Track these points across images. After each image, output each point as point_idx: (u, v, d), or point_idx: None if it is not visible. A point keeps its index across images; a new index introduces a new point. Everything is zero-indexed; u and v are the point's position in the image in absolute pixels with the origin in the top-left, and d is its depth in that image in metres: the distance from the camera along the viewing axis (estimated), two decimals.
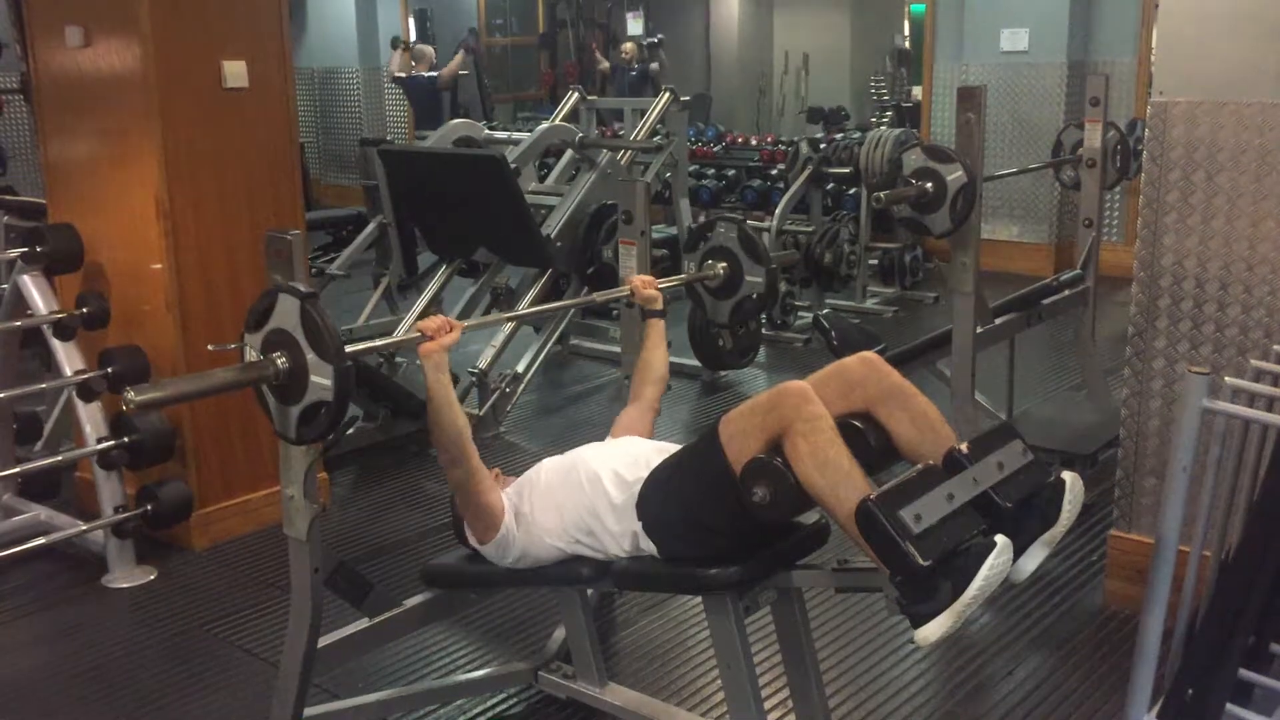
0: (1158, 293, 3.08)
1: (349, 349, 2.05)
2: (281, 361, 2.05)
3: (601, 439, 2.68)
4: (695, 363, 5.53)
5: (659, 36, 11.70)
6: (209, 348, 2.20)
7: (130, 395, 1.92)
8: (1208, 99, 2.92)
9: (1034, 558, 2.12)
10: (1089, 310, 4.48)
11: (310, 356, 2.03)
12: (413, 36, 11.71)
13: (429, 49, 10.59)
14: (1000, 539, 1.96)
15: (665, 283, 2.90)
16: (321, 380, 2.02)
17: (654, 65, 11.31)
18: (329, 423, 2.05)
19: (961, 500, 2.03)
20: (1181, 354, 3.06)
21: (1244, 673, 2.18)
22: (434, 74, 10.32)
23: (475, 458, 2.41)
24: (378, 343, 2.43)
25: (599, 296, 3.00)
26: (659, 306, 2.84)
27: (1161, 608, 2.19)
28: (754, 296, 2.99)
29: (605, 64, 11.93)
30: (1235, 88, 2.88)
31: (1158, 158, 3.02)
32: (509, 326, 5.13)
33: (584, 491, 2.41)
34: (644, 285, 2.83)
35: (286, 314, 2.04)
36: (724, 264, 3.00)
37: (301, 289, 2.04)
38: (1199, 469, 2.18)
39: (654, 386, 2.79)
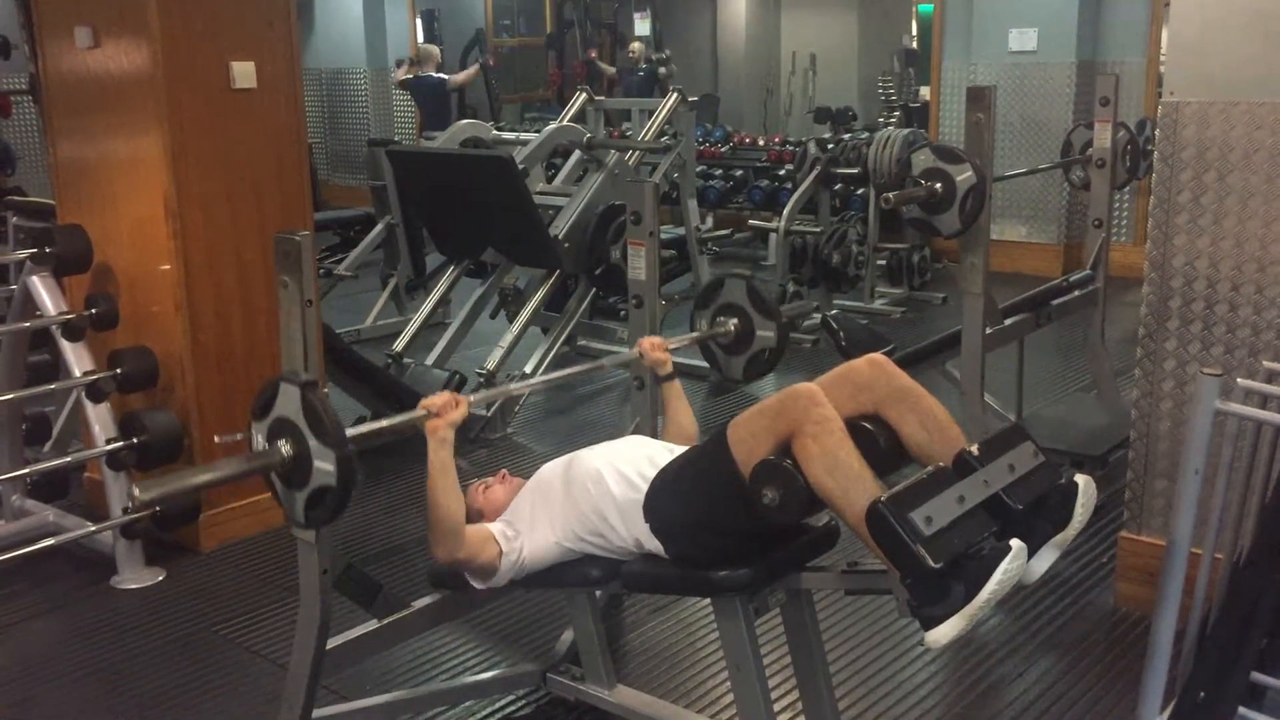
0: (1169, 293, 3.06)
1: (350, 433, 2.07)
2: (286, 449, 2.08)
3: (608, 440, 2.67)
4: (703, 364, 5.50)
5: (667, 53, 11.68)
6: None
7: (137, 492, 1.95)
8: (1219, 99, 2.91)
9: (1045, 559, 2.11)
10: (1099, 311, 4.47)
11: (313, 443, 2.05)
12: (420, 37, 11.71)
13: (435, 49, 10.59)
14: (1015, 543, 1.95)
15: (676, 343, 2.89)
16: (325, 466, 2.05)
17: (662, 70, 11.31)
18: (335, 507, 2.08)
19: (972, 502, 2.02)
20: (1193, 355, 3.05)
21: (1256, 675, 2.17)
22: (442, 76, 10.31)
23: (466, 540, 2.36)
24: (380, 424, 2.36)
25: (607, 363, 2.97)
26: (669, 369, 2.79)
27: (1173, 610, 2.18)
28: (767, 351, 2.98)
29: (612, 70, 11.91)
30: (1247, 87, 2.87)
31: (1169, 158, 3.01)
32: (516, 328, 5.13)
33: (588, 492, 2.41)
34: (653, 348, 2.78)
35: (289, 401, 2.07)
36: (735, 320, 3.01)
37: (301, 377, 2.07)
38: (1211, 471, 2.17)
39: (688, 443, 2.72)
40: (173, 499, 2.09)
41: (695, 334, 3.07)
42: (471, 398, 2.40)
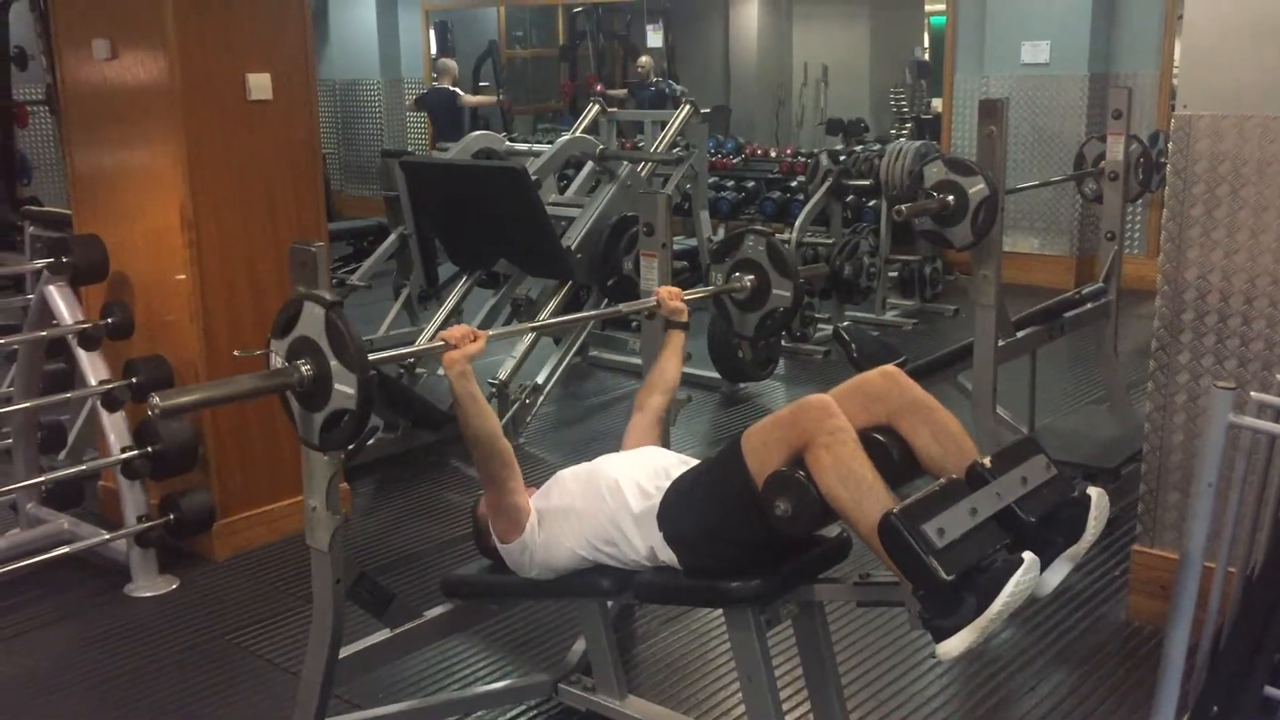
0: (1181, 306, 3.06)
1: (372, 358, 2.06)
2: (306, 369, 2.06)
3: (619, 450, 2.68)
4: (715, 374, 5.53)
5: (678, 85, 11.71)
6: (235, 354, 2.22)
7: (156, 400, 1.94)
8: (1232, 112, 2.91)
9: (1057, 572, 2.11)
10: (1111, 323, 4.46)
11: (334, 364, 2.04)
12: (433, 49, 11.76)
13: (452, 64, 10.62)
14: (1028, 555, 1.95)
15: (692, 294, 2.90)
16: (345, 389, 2.04)
17: (671, 83, 11.33)
18: (352, 430, 2.06)
19: (985, 515, 2.02)
20: (1205, 368, 3.05)
21: (1270, 690, 2.16)
22: (455, 90, 10.33)
23: (510, 454, 2.43)
24: (401, 351, 2.43)
25: (625, 308, 2.99)
26: (684, 319, 2.85)
27: (1186, 624, 2.18)
28: (781, 310, 2.98)
29: (622, 92, 11.89)
30: (1260, 101, 2.87)
31: (1182, 171, 3.01)
32: (529, 338, 5.14)
33: (605, 501, 2.41)
34: (670, 297, 2.84)
35: (312, 322, 2.06)
36: (751, 276, 2.99)
37: (327, 297, 2.05)
38: (1224, 484, 2.17)
39: (662, 396, 2.79)
40: (191, 410, 2.04)
41: (711, 287, 3.06)
42: (490, 332, 2.40)
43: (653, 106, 11.03)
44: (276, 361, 2.11)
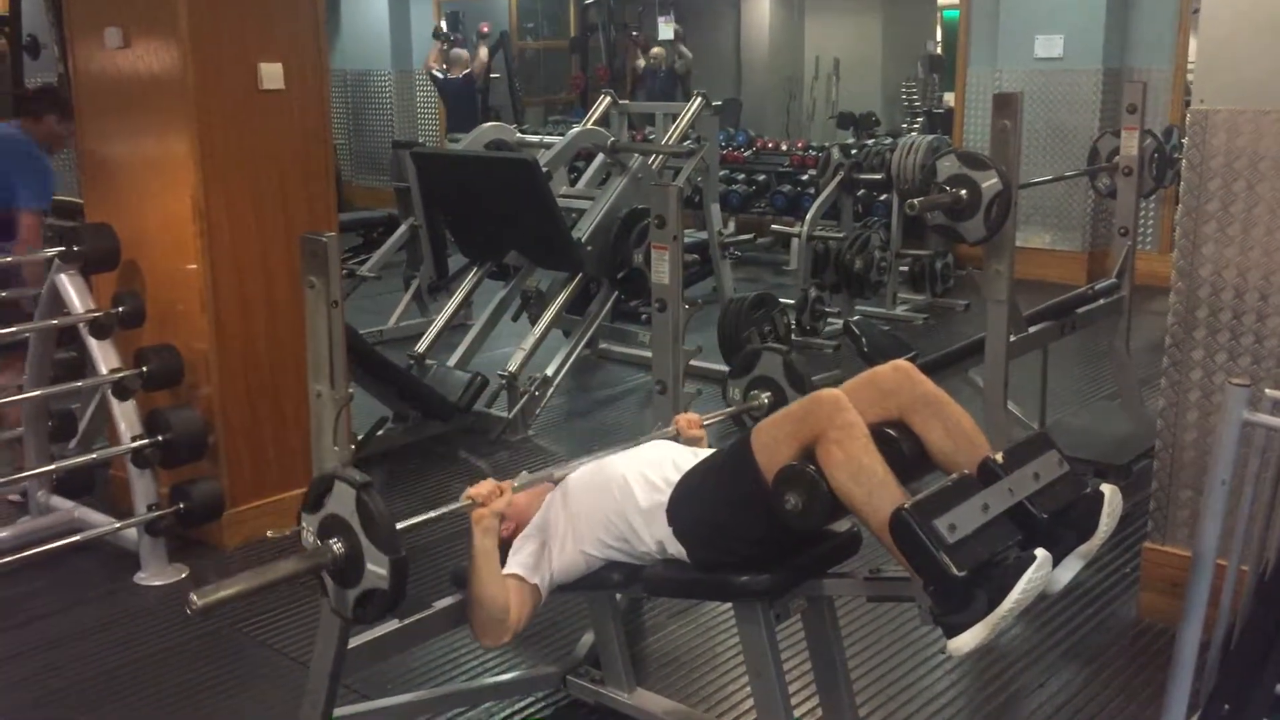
0: (1196, 303, 3.04)
1: (400, 526, 2.05)
2: (338, 548, 2.07)
3: (629, 444, 2.66)
4: (724, 367, 5.51)
5: (682, 48, 11.73)
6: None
7: (194, 598, 1.93)
8: (1249, 107, 2.89)
9: (1069, 569, 2.10)
10: (1124, 319, 4.44)
11: (366, 544, 2.04)
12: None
13: (464, 53, 10.63)
14: (1040, 553, 1.94)
15: (710, 419, 2.87)
16: (377, 569, 2.03)
17: (679, 63, 11.32)
18: (385, 608, 2.06)
19: (997, 510, 2.02)
20: (1219, 365, 3.03)
21: None
22: (468, 72, 10.35)
23: (509, 628, 2.33)
24: (432, 514, 2.31)
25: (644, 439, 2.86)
26: (705, 448, 2.75)
27: (1199, 622, 2.17)
28: None
29: (641, 62, 11.91)
30: (1277, 95, 2.84)
31: (1197, 166, 2.99)
32: (538, 330, 5.14)
33: (613, 496, 2.40)
34: (689, 425, 2.74)
35: (343, 500, 2.06)
36: (768, 394, 3.01)
37: (357, 478, 2.05)
38: (1237, 482, 2.16)
39: None
40: (228, 603, 2.05)
41: (730, 409, 3.10)
42: (514, 484, 2.37)
43: (664, 95, 11.02)
44: (308, 537, 2.13)
